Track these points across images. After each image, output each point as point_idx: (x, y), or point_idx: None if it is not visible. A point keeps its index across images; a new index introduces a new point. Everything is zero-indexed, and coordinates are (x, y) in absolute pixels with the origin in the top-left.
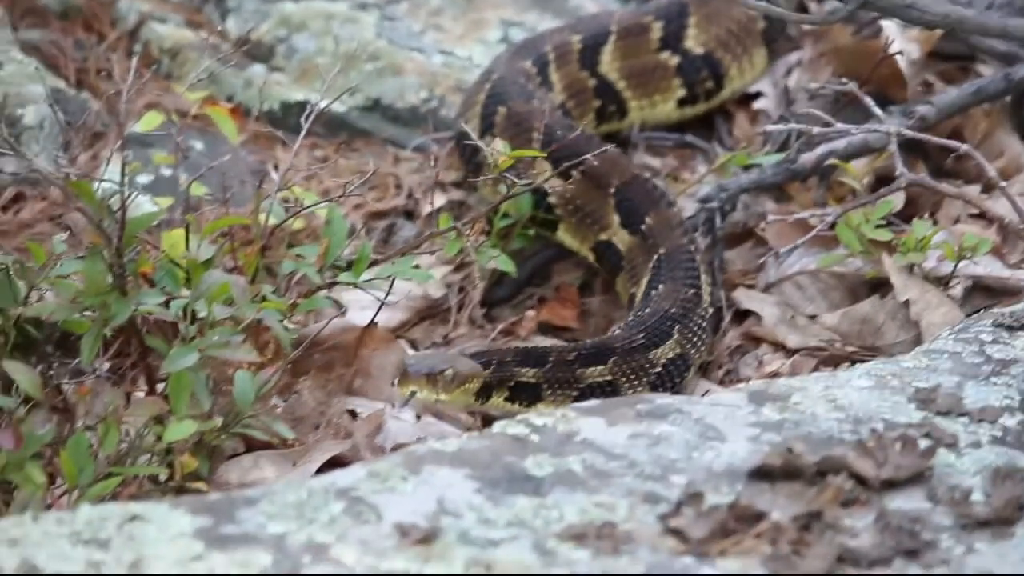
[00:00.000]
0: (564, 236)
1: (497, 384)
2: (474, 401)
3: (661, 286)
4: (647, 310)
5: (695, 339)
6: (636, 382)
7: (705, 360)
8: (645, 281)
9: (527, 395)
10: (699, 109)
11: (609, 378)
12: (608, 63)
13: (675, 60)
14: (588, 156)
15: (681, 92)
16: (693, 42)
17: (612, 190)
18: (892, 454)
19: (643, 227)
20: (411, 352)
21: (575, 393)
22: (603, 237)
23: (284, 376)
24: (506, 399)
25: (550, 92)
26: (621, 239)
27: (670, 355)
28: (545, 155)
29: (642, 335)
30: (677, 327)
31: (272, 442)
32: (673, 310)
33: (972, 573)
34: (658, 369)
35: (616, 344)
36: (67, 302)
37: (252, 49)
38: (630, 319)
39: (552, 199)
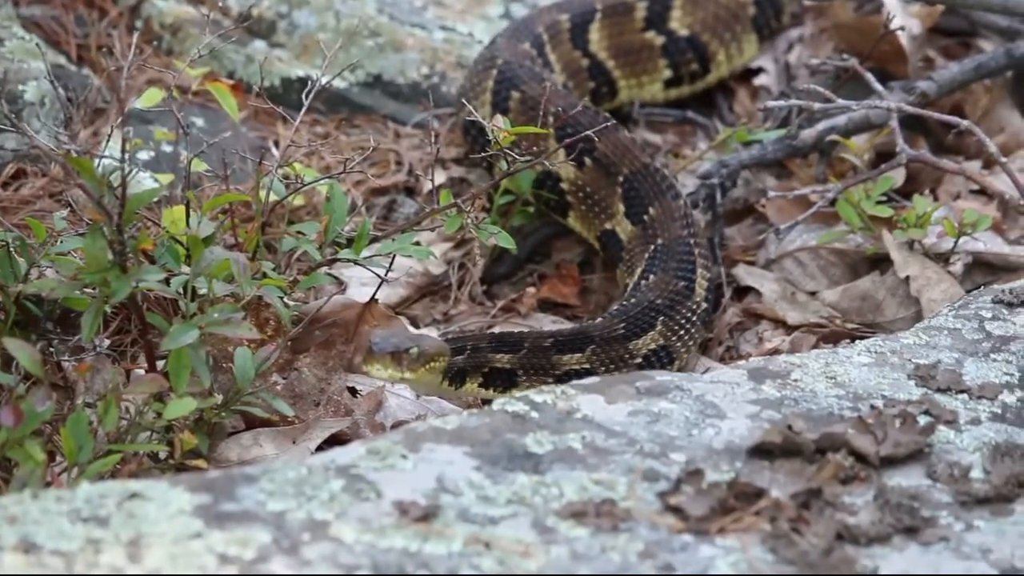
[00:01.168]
0: (574, 223)
1: (471, 369)
2: (447, 386)
3: (652, 276)
4: (632, 300)
5: (682, 332)
6: (615, 372)
7: (693, 352)
8: (639, 271)
9: (501, 381)
10: (685, 91)
11: (587, 366)
12: (597, 42)
13: (660, 40)
14: (590, 132)
15: (667, 73)
16: (678, 24)
17: (621, 178)
18: (891, 431)
19: (645, 217)
20: (378, 331)
21: (550, 380)
22: (608, 226)
23: (284, 353)
24: (480, 385)
25: (552, 73)
26: (624, 229)
27: (652, 346)
28: (549, 132)
29: (623, 324)
30: (661, 319)
31: (272, 419)
32: (659, 301)
33: (971, 550)
34: (638, 360)
35: (595, 332)
36: (67, 279)
37: (253, 25)
38: (614, 308)
39: (564, 185)
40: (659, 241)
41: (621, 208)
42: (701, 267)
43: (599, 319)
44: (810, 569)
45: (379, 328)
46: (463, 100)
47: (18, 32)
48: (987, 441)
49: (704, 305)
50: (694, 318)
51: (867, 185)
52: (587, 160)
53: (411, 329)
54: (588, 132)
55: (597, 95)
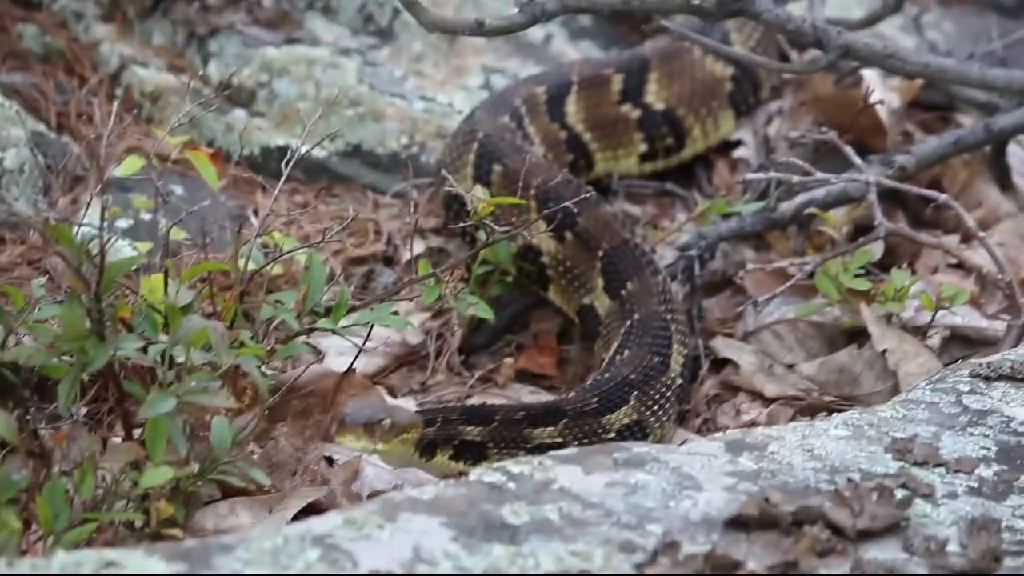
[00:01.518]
0: (555, 296)
1: (442, 442)
2: (418, 458)
3: (627, 351)
4: (606, 374)
5: (655, 407)
6: (588, 446)
7: (668, 427)
8: (615, 346)
9: (472, 454)
10: (660, 165)
11: (559, 440)
12: (573, 114)
13: (636, 113)
14: (569, 203)
15: (643, 147)
16: (654, 97)
17: (600, 253)
18: (868, 504)
19: (623, 292)
20: (352, 402)
21: (522, 453)
22: (586, 301)
23: (261, 422)
24: (451, 457)
25: (532, 146)
26: (602, 303)
27: (625, 421)
28: (527, 203)
29: (596, 399)
30: (635, 394)
31: (249, 488)
32: (633, 376)
33: None
34: (612, 434)
35: (568, 407)
36: (45, 346)
37: (233, 94)
38: (588, 382)
39: (545, 259)
40: (636, 316)
41: (600, 283)
42: (677, 343)
43: (572, 393)
44: None
45: (353, 399)
46: (443, 172)
47: None
48: (964, 515)
49: (679, 381)
50: (668, 393)
51: (845, 258)
52: (568, 234)
53: (386, 400)
54: (567, 203)
55: (575, 167)
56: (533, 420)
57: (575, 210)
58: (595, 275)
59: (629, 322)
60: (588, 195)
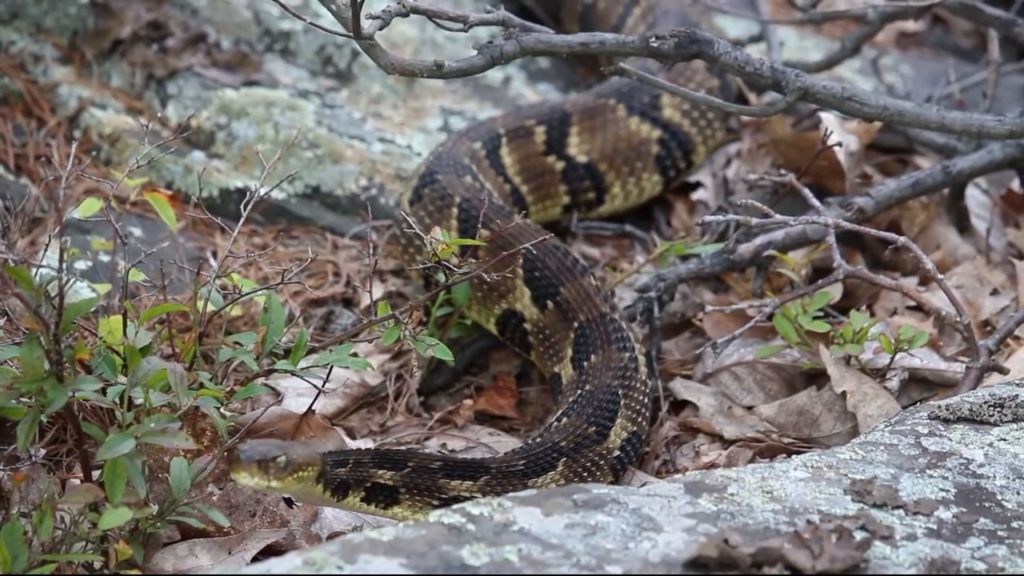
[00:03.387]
0: (536, 360)
1: (354, 483)
2: (330, 497)
3: (565, 419)
4: (538, 439)
5: (586, 475)
6: None
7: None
8: (558, 413)
9: (384, 497)
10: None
11: (479, 495)
12: (509, 165)
13: (560, 165)
14: (526, 245)
15: (566, 199)
16: (576, 150)
17: (576, 324)
18: (828, 546)
19: (585, 364)
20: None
21: (436, 502)
22: (556, 369)
23: (220, 463)
24: (362, 499)
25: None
26: (567, 373)
27: (552, 486)
28: (482, 243)
29: (523, 462)
30: (564, 460)
31: (208, 530)
32: (563, 444)
33: None
34: None
35: (492, 465)
36: (3, 388)
37: (192, 136)
38: (520, 446)
39: (527, 326)
40: (587, 387)
41: (570, 353)
42: (624, 418)
43: (500, 455)
44: None
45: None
46: (425, 241)
47: None
48: (923, 557)
49: (617, 454)
50: (602, 463)
51: (804, 300)
52: (549, 303)
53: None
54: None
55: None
56: (451, 471)
57: (560, 279)
58: (567, 345)
59: (580, 391)
60: (575, 266)
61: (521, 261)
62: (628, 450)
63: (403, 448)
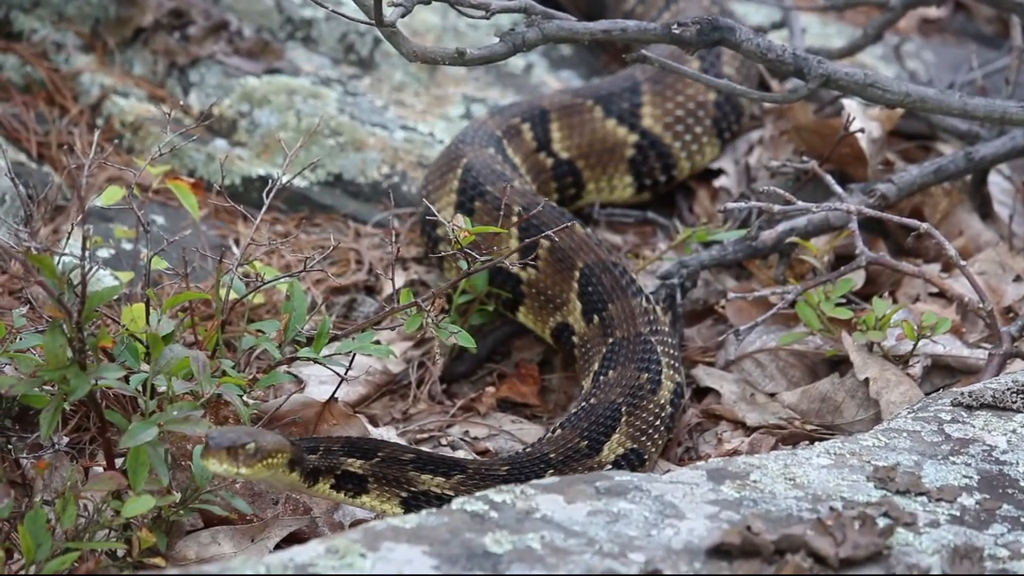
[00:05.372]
0: (577, 372)
1: (324, 470)
2: (302, 483)
3: (558, 431)
4: (528, 449)
5: None
6: None
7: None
8: (553, 427)
9: (353, 485)
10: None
11: (450, 493)
12: (520, 163)
13: (550, 161)
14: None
15: (556, 195)
16: (559, 146)
17: (611, 340)
18: (850, 532)
19: (602, 378)
20: (221, 427)
21: (404, 494)
22: (584, 382)
23: None
24: (332, 487)
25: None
26: (587, 385)
27: None
28: (507, 231)
29: (506, 468)
30: (550, 472)
31: (231, 517)
32: (552, 455)
33: None
34: None
35: (470, 465)
36: (26, 376)
37: (214, 124)
38: (512, 453)
39: (575, 339)
40: (591, 401)
41: (595, 367)
42: (625, 435)
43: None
44: None
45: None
46: (425, 202)
47: None
48: (946, 543)
49: (608, 466)
50: None
51: (827, 287)
52: (595, 317)
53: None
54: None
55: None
56: (422, 465)
57: (611, 296)
58: (596, 359)
59: (582, 405)
60: (630, 285)
61: (577, 275)
62: (623, 467)
63: (375, 438)
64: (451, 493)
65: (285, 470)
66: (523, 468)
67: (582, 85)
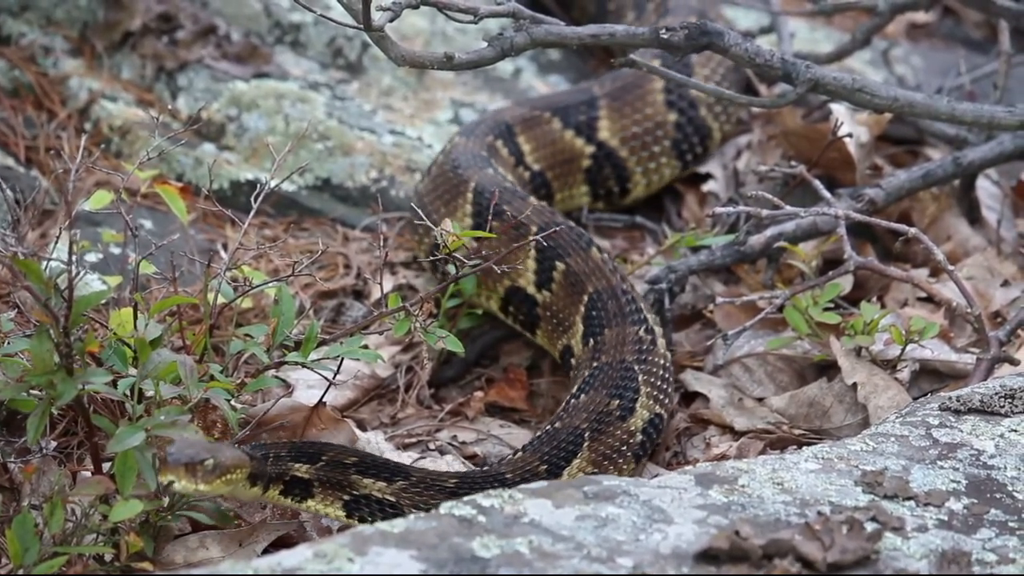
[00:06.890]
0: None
1: (274, 477)
2: (259, 492)
3: (519, 454)
4: (484, 468)
5: None
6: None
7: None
8: (515, 450)
9: (300, 491)
10: None
11: (391, 499)
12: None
13: (527, 174)
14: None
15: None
16: (531, 158)
17: (596, 365)
18: (839, 537)
19: (572, 401)
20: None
21: (346, 498)
22: (574, 389)
23: None
24: (281, 492)
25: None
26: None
27: None
28: (495, 235)
29: (455, 481)
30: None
31: (218, 522)
32: (508, 476)
33: None
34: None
35: (414, 473)
36: (14, 381)
37: (202, 128)
38: (463, 471)
39: (573, 361)
40: (556, 424)
41: (574, 390)
42: (587, 460)
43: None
44: None
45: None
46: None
47: None
48: (934, 548)
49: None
50: None
51: (815, 292)
52: (592, 340)
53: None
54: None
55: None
56: (364, 469)
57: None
58: (579, 382)
59: (546, 428)
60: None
61: (586, 299)
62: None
63: (320, 442)
64: (392, 499)
65: (245, 484)
66: (473, 485)
67: (537, 96)
